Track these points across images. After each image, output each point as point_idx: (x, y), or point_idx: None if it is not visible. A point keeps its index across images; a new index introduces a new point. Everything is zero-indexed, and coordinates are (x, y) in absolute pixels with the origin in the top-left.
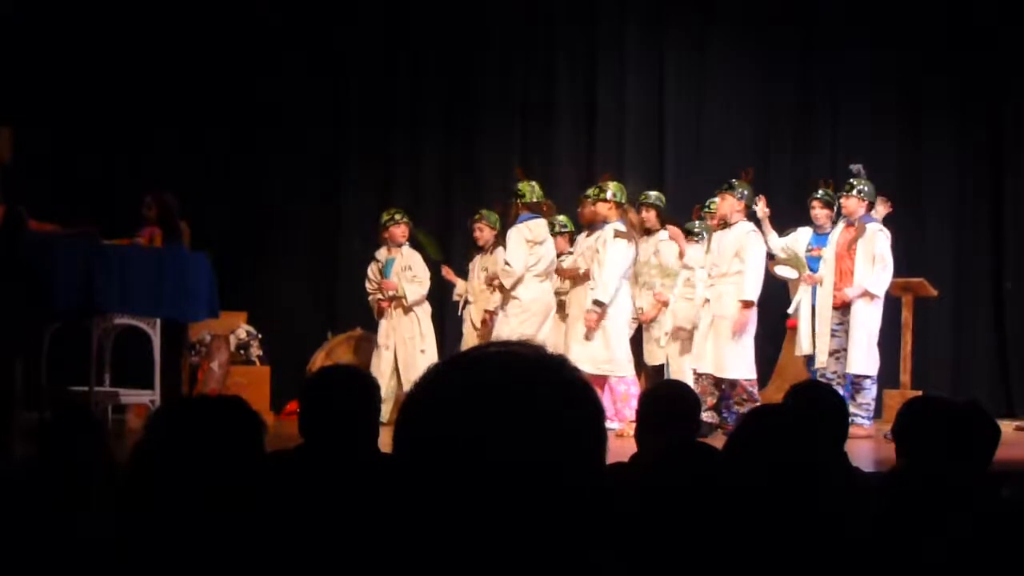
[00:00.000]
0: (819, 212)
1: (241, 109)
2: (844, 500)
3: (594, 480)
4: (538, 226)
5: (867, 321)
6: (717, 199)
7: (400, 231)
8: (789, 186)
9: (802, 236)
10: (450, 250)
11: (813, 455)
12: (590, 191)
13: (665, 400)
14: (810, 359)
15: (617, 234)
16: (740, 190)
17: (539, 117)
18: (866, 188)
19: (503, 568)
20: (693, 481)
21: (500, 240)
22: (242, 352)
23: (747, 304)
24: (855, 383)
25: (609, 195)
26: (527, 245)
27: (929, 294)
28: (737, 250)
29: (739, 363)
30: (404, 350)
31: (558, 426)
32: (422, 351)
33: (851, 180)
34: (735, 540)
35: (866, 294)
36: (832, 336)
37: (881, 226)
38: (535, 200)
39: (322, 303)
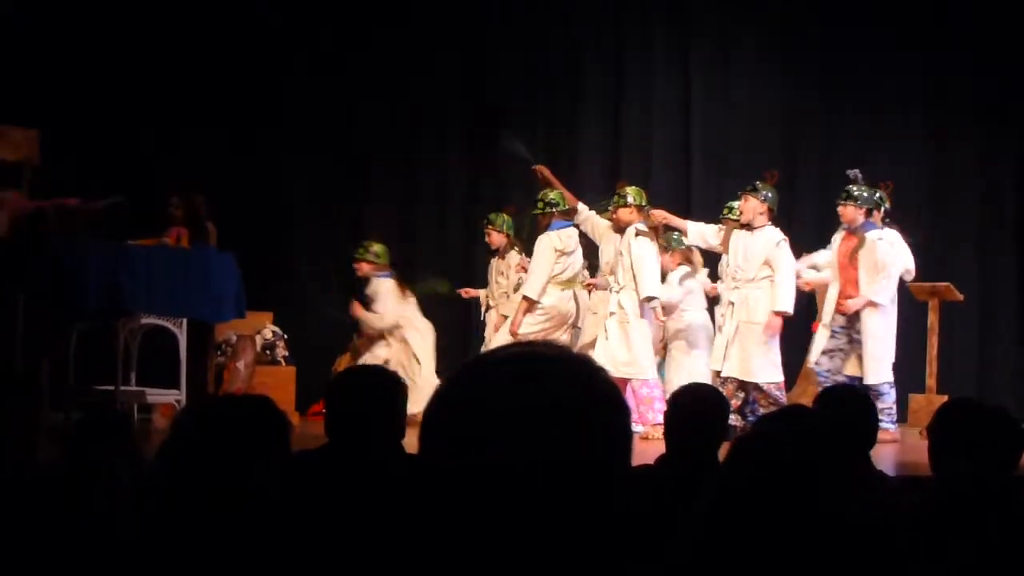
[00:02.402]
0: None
1: (268, 110)
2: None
3: (619, 481)
4: (569, 236)
5: (876, 330)
6: (739, 202)
7: (363, 267)
8: (816, 187)
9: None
10: (473, 254)
11: (837, 458)
12: (615, 199)
13: (694, 403)
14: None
15: (639, 232)
16: (764, 192)
17: (564, 120)
18: (864, 195)
19: (528, 570)
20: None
21: (514, 243)
22: (268, 352)
23: (781, 314)
24: (874, 391)
25: (630, 200)
26: (555, 254)
27: (955, 298)
28: (766, 258)
29: (766, 367)
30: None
31: (584, 427)
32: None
33: (848, 187)
34: (753, 541)
35: (870, 304)
36: (832, 336)
37: (881, 233)
38: (567, 208)
39: (348, 304)
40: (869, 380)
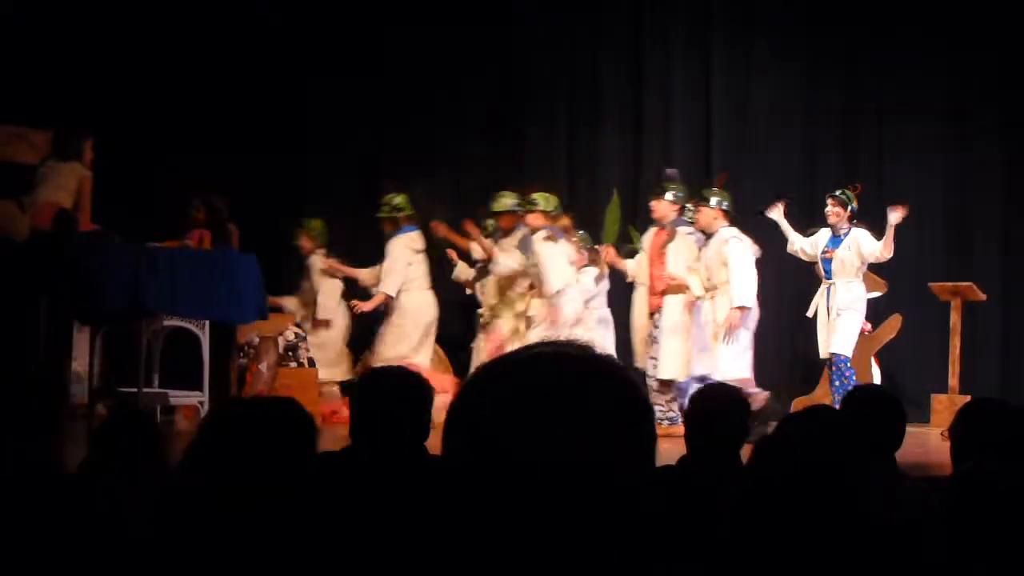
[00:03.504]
0: (830, 209)
1: (289, 110)
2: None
3: (642, 482)
4: (414, 240)
5: (667, 324)
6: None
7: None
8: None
9: (821, 238)
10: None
11: (857, 456)
12: (526, 205)
13: (714, 403)
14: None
15: (546, 237)
16: (715, 199)
17: (585, 120)
18: (680, 193)
19: (551, 570)
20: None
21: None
22: (290, 354)
23: (740, 309)
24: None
25: (539, 205)
26: (411, 253)
27: (977, 298)
28: (723, 260)
29: (731, 363)
30: None
31: (609, 426)
32: None
33: (664, 183)
34: (777, 542)
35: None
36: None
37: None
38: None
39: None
40: (663, 375)
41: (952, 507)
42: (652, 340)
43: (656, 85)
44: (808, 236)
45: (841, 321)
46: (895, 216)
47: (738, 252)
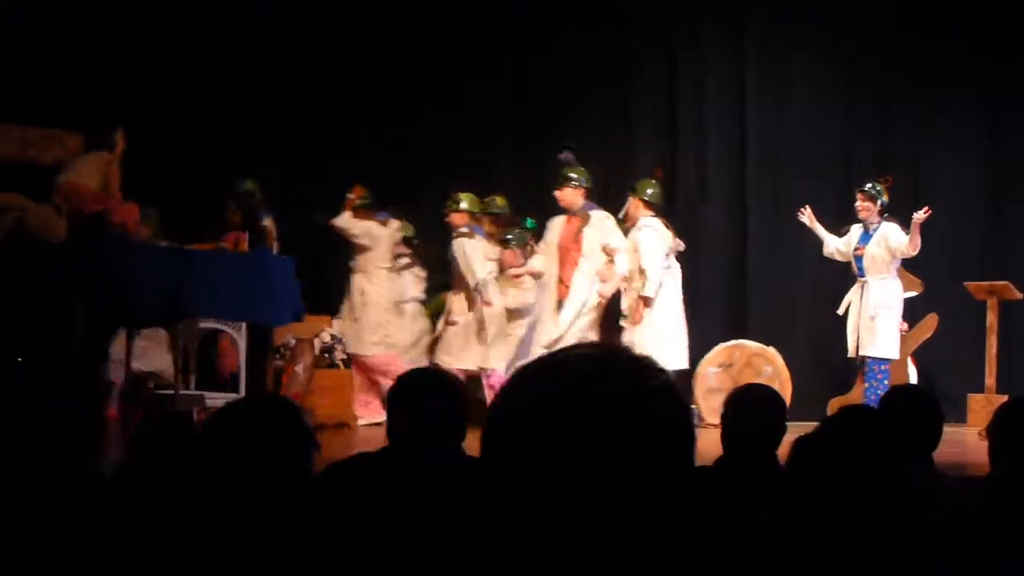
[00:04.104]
0: (860, 204)
1: (327, 113)
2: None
3: (681, 482)
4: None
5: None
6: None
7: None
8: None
9: (854, 235)
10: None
11: (896, 457)
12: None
13: (751, 403)
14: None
15: (460, 234)
16: (644, 189)
17: (619, 120)
18: (582, 176)
19: (589, 569)
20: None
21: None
22: (326, 355)
23: (646, 300)
24: None
25: (462, 205)
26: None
27: (1014, 297)
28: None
29: (667, 352)
30: None
31: (648, 428)
32: None
33: (563, 171)
34: (819, 541)
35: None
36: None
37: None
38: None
39: None
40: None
41: (989, 506)
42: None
43: (690, 83)
44: (842, 236)
45: (878, 323)
46: (919, 216)
47: (647, 242)
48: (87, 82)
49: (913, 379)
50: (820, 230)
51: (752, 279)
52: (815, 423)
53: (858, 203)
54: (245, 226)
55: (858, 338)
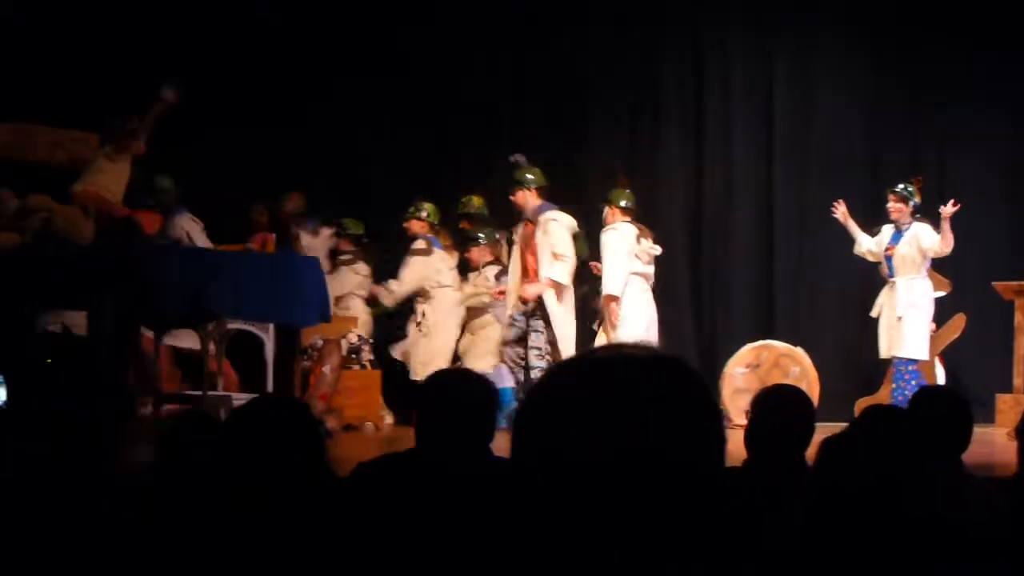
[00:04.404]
0: (892, 205)
1: (356, 114)
2: (956, 505)
3: (712, 483)
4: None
5: (562, 320)
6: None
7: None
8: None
9: (885, 236)
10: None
11: (925, 457)
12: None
13: (779, 404)
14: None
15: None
16: (619, 199)
17: (646, 122)
18: (532, 177)
19: (620, 570)
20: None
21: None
22: (354, 356)
23: (610, 298)
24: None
25: (423, 214)
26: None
27: None
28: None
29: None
30: None
31: (680, 428)
32: None
33: (515, 173)
34: (849, 542)
35: (553, 285)
36: (512, 326)
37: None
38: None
39: None
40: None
41: (1017, 506)
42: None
43: (717, 85)
44: (874, 236)
45: (906, 323)
46: (947, 210)
47: (611, 243)
48: (101, 83)
49: (941, 379)
50: (853, 227)
51: (779, 279)
52: (843, 424)
53: (890, 204)
54: (273, 227)
55: (889, 339)
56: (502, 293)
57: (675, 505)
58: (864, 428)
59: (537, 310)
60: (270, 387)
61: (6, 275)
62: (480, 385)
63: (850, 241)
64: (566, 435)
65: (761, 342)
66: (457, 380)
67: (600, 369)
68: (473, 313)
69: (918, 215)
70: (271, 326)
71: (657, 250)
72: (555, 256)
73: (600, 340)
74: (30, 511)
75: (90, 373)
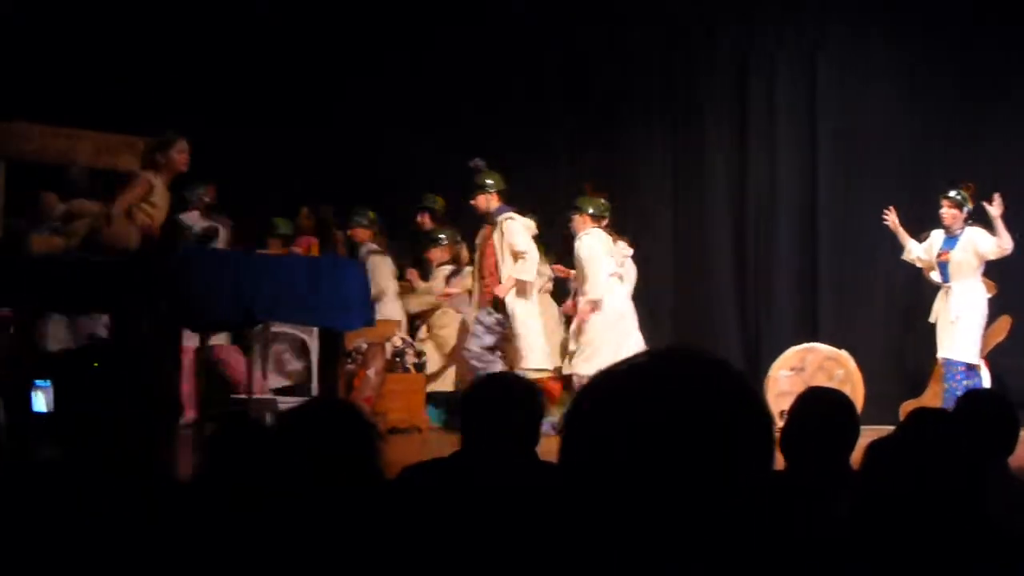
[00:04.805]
0: (946, 212)
1: (395, 118)
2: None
3: (759, 486)
4: None
5: (525, 317)
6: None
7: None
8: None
9: (935, 241)
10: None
11: (970, 460)
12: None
13: (822, 407)
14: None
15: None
16: (587, 207)
17: (691, 120)
18: (491, 182)
19: (668, 573)
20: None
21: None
22: (397, 360)
23: (593, 303)
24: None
25: (364, 222)
26: None
27: None
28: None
29: (587, 360)
30: None
31: (729, 432)
32: None
33: (475, 178)
34: (897, 544)
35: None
36: (489, 332)
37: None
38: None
39: None
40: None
41: None
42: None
43: (761, 86)
44: (922, 242)
45: (959, 326)
46: (994, 209)
47: (588, 249)
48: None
49: (986, 382)
50: (903, 235)
51: (823, 282)
52: (887, 427)
53: (945, 211)
54: (317, 231)
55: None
56: (449, 295)
57: (724, 509)
58: (910, 431)
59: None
60: (315, 391)
61: (53, 280)
62: (526, 389)
63: (895, 243)
64: (615, 440)
65: (806, 345)
66: (503, 384)
67: (648, 373)
68: (429, 313)
69: (970, 220)
70: (315, 330)
71: (629, 252)
72: (516, 255)
73: (572, 342)
74: (77, 517)
75: (136, 378)
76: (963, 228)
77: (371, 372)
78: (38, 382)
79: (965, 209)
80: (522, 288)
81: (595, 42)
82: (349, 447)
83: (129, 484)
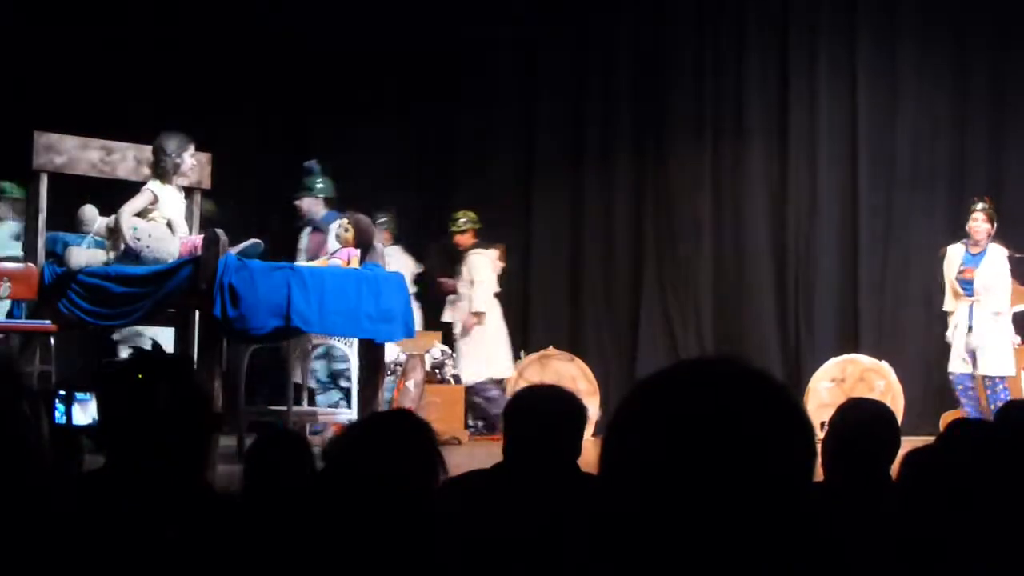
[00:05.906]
0: (981, 226)
1: (434, 132)
2: None
3: (801, 497)
4: None
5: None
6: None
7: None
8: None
9: (955, 255)
10: (641, 263)
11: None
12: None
13: (862, 417)
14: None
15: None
16: (462, 220)
17: (731, 130)
18: (322, 186)
19: None
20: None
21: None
22: (437, 371)
23: (478, 314)
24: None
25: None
26: None
27: None
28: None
29: (474, 367)
30: None
31: (771, 442)
32: None
33: (305, 179)
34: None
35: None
36: None
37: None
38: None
39: (515, 323)
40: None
41: None
42: None
43: (803, 96)
44: (942, 258)
45: (990, 341)
46: None
47: (477, 266)
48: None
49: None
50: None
51: (864, 293)
52: (927, 438)
53: (980, 224)
54: (357, 242)
55: (974, 357)
56: None
57: (764, 520)
58: (949, 442)
59: None
60: (355, 402)
61: (95, 293)
62: (568, 400)
63: (935, 256)
64: (656, 450)
65: (847, 356)
66: (544, 395)
67: (689, 382)
68: None
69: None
70: (355, 341)
71: (500, 265)
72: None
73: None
74: (122, 528)
75: (179, 390)
76: (987, 242)
77: (411, 383)
78: (78, 395)
79: (995, 223)
80: None
81: (636, 56)
82: (416, 458)
83: (172, 496)
